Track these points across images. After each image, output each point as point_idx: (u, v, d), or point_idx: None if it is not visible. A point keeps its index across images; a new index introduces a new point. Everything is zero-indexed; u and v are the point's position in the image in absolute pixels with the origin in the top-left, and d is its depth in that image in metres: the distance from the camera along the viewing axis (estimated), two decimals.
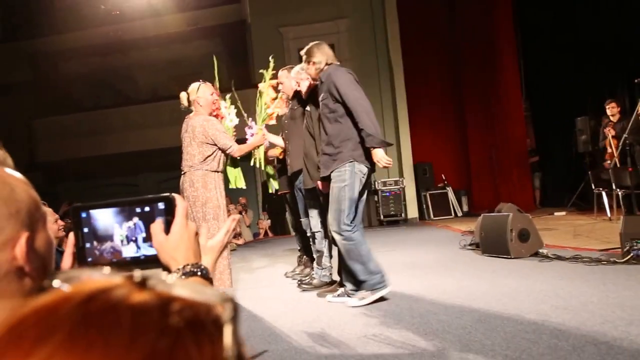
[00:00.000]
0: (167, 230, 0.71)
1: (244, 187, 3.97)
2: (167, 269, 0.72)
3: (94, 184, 11.25)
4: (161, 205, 0.72)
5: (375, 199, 9.24)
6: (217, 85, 3.84)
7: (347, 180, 3.07)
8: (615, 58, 7.99)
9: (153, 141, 10.59)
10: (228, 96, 4.09)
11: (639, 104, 5.20)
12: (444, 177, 9.59)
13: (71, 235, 0.74)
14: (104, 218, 0.73)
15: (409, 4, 9.65)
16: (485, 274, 3.73)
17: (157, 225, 0.71)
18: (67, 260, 0.73)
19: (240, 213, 9.09)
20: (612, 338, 2.10)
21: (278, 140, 4.19)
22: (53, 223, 2.70)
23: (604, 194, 6.29)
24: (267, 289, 4.17)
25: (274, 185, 4.31)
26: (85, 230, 0.72)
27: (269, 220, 9.79)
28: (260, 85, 4.13)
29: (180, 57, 11.48)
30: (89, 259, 0.73)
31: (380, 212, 9.19)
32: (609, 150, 5.97)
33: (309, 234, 4.07)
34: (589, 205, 7.12)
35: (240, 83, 11.28)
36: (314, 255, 3.99)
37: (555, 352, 2.01)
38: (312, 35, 10.74)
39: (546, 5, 9.02)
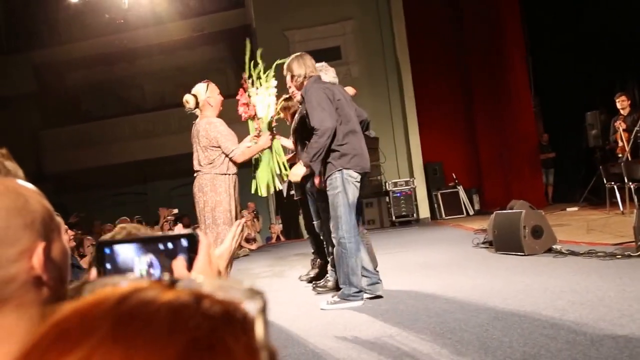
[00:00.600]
0: (190, 267, 0.70)
1: (268, 193, 3.68)
2: None
3: (103, 193, 11.34)
4: (184, 242, 0.71)
5: (387, 199, 9.26)
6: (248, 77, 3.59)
7: (339, 187, 3.17)
8: (624, 51, 7.94)
9: (161, 149, 10.67)
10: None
11: None
12: (454, 176, 9.58)
13: (93, 270, 0.73)
14: (127, 254, 0.72)
15: (415, 3, 9.66)
16: (499, 272, 3.74)
17: (180, 262, 0.70)
18: None
19: (252, 220, 9.15)
20: (630, 331, 2.10)
21: (288, 142, 4.20)
22: (63, 234, 2.75)
23: (616, 188, 6.25)
24: (281, 293, 4.20)
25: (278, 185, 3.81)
26: (108, 266, 0.72)
27: (281, 225, 9.84)
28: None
29: (186, 63, 11.56)
30: None
31: (392, 212, 9.19)
32: (620, 143, 5.93)
33: (322, 237, 4.10)
34: (601, 199, 7.08)
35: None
36: (328, 258, 4.02)
37: (573, 347, 2.01)
38: (317, 38, 10.82)
39: (553, 0, 8.98)
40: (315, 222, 4.18)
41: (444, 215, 9.33)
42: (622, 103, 5.99)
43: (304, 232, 9.47)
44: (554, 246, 4.19)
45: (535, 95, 9.70)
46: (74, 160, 10.91)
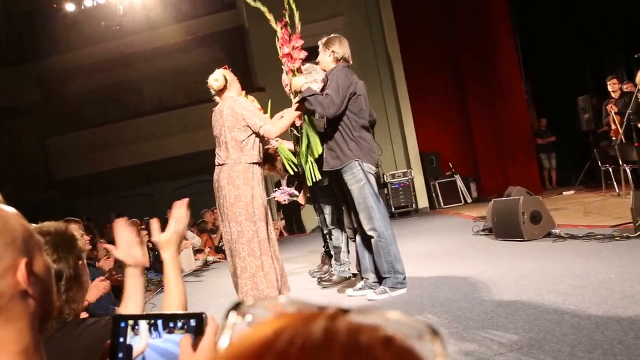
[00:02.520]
0: (196, 346, 0.71)
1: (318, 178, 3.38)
2: None
3: (111, 196, 11.50)
4: (192, 322, 0.74)
5: (385, 191, 9.31)
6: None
7: (362, 179, 3.18)
8: (613, 34, 7.99)
9: (164, 150, 10.79)
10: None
11: (638, 84, 5.22)
12: (451, 165, 9.64)
13: (107, 342, 0.77)
14: (140, 329, 0.76)
15: None
16: (500, 258, 3.79)
17: (186, 340, 0.71)
18: None
19: None
20: (633, 313, 2.14)
21: (291, 144, 4.16)
22: (80, 237, 2.78)
23: (610, 170, 6.32)
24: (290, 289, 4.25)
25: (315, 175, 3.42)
26: (121, 339, 0.75)
27: (283, 221, 9.88)
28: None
29: (183, 66, 11.62)
30: None
31: (391, 204, 9.25)
32: (613, 126, 5.99)
33: (325, 231, 4.14)
34: (596, 182, 7.15)
35: (243, 87, 11.39)
36: (332, 252, 4.07)
37: (578, 331, 2.05)
38: (309, 36, 10.71)
39: None
40: (317, 217, 4.21)
41: (442, 205, 9.40)
42: (613, 86, 6.04)
43: (307, 227, 9.54)
44: (553, 230, 4.25)
45: (527, 81, 9.75)
46: (81, 165, 11.10)
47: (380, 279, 3.26)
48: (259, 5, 3.30)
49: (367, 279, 3.35)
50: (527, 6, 9.40)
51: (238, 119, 3.13)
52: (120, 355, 0.75)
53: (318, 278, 4.12)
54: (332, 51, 3.30)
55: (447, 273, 3.59)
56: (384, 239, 3.17)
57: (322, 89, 3.46)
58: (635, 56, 5.13)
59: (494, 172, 9.59)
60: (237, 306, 0.37)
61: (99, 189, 11.54)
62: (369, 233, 3.20)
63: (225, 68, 3.48)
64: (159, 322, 0.75)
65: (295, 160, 3.72)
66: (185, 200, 0.87)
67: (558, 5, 8.78)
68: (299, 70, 3.34)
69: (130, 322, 0.76)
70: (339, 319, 0.32)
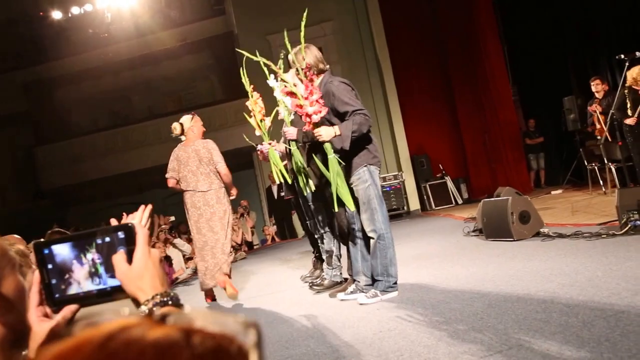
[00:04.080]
0: (130, 259, 0.70)
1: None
2: (134, 300, 0.69)
3: (101, 205, 11.39)
4: (121, 235, 0.71)
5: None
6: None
7: (368, 180, 3.20)
8: (596, 36, 8.12)
9: (154, 158, 10.70)
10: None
11: (621, 82, 5.31)
12: (441, 167, 9.71)
13: (36, 272, 0.72)
14: (66, 252, 0.72)
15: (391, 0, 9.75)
16: (491, 259, 3.82)
17: (119, 255, 0.70)
18: (34, 298, 0.72)
19: (242, 216, 9.15)
20: (619, 310, 2.17)
21: (282, 146, 4.18)
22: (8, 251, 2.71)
23: (596, 169, 6.41)
24: (279, 294, 4.25)
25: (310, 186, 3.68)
26: (50, 266, 0.72)
27: (275, 226, 9.87)
28: (248, 103, 4.03)
29: (172, 73, 11.59)
30: (56, 295, 0.72)
31: None
32: (598, 126, 6.08)
33: (316, 236, 4.14)
34: (583, 181, 7.24)
35: (233, 93, 11.40)
36: (324, 256, 4.07)
37: (566, 329, 2.08)
38: (299, 41, 10.83)
39: None
40: (308, 222, 4.22)
41: (433, 206, 9.45)
42: (596, 86, 6.14)
43: (299, 232, 9.54)
44: (541, 230, 4.29)
45: (514, 83, 9.88)
46: (70, 175, 10.98)
47: (372, 281, 3.27)
48: (266, 61, 3.23)
49: (359, 282, 3.36)
50: (513, 11, 9.53)
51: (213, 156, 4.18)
52: (54, 281, 0.72)
53: (310, 283, 4.12)
54: (307, 67, 3.23)
55: (438, 275, 3.61)
56: (383, 241, 3.19)
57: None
58: (617, 57, 5.22)
59: (484, 173, 9.68)
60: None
61: (89, 199, 11.43)
62: (370, 234, 3.21)
63: (192, 114, 4.46)
64: (98, 261, 0.71)
65: (282, 169, 3.77)
66: (148, 207, 0.85)
67: (543, 10, 8.92)
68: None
69: (55, 246, 0.71)
70: (149, 324, 0.33)
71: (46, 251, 0.72)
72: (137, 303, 0.69)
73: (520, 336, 2.12)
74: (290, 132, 3.57)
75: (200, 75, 11.57)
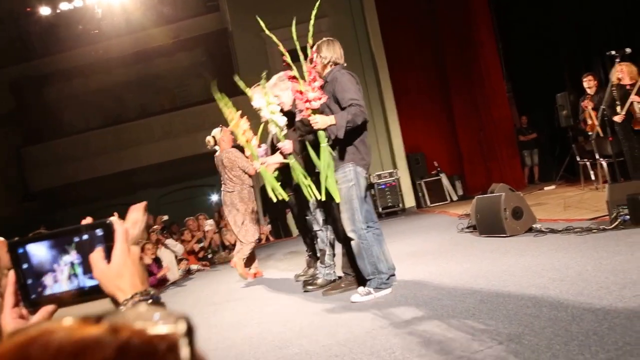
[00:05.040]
0: (109, 257, 0.68)
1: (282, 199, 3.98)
2: (114, 300, 0.67)
3: (92, 207, 11.21)
4: (99, 232, 0.69)
5: (372, 192, 9.36)
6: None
7: (353, 179, 3.20)
8: (588, 33, 8.18)
9: (147, 157, 10.62)
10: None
11: (611, 79, 5.35)
12: (436, 164, 9.74)
13: (11, 272, 0.70)
14: (42, 252, 0.69)
15: None
16: (484, 255, 3.85)
17: (97, 254, 0.68)
18: (9, 299, 0.70)
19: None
20: (607, 303, 2.20)
21: (278, 158, 4.06)
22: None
23: (588, 164, 6.46)
24: (273, 293, 4.26)
25: (280, 194, 3.97)
26: (25, 266, 0.69)
27: (270, 225, 9.87)
28: (231, 127, 4.12)
29: (165, 71, 11.47)
30: (33, 296, 0.69)
31: (378, 204, 9.31)
32: (589, 122, 6.13)
33: (313, 233, 4.14)
34: (576, 176, 7.29)
35: (228, 91, 11.33)
36: (318, 254, 4.08)
37: (555, 323, 2.10)
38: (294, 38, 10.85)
39: None
40: (308, 218, 4.19)
41: (428, 203, 9.48)
42: (588, 82, 6.17)
43: (293, 231, 9.55)
44: (534, 225, 4.33)
45: (508, 80, 9.92)
46: (60, 175, 10.78)
47: (363, 282, 3.28)
48: (277, 43, 3.22)
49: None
50: (507, 8, 9.57)
51: (233, 165, 4.96)
52: (30, 281, 0.69)
53: (303, 282, 4.13)
54: (320, 56, 3.27)
55: (431, 272, 3.63)
56: (365, 241, 3.19)
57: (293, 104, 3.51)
58: (607, 54, 5.26)
59: (479, 169, 9.72)
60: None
61: (80, 199, 11.27)
62: (350, 234, 3.22)
63: (220, 127, 5.00)
64: (76, 261, 0.69)
65: (277, 188, 3.87)
66: (143, 204, 0.83)
67: (537, 7, 8.96)
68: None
69: (31, 246, 0.69)
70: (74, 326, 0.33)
71: (21, 250, 0.69)
72: (116, 302, 0.67)
73: (511, 330, 2.14)
74: (287, 146, 3.59)
75: (193, 73, 11.47)
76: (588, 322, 2.04)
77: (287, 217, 9.51)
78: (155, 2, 10.66)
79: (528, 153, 9.59)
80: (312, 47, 3.13)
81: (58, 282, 0.70)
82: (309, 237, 4.38)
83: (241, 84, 3.75)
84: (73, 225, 0.72)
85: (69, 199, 11.32)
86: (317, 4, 3.12)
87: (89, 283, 0.69)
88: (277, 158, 3.96)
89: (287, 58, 3.12)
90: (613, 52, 5.18)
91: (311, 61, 3.08)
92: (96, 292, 0.69)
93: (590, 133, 6.07)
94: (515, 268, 3.20)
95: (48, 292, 0.70)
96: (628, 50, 5.04)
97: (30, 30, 11.00)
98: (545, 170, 9.44)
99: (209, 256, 7.70)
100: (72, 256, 0.69)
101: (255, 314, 3.60)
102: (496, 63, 9.64)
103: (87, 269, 0.69)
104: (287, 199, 4.05)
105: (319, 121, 3.05)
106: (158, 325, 0.34)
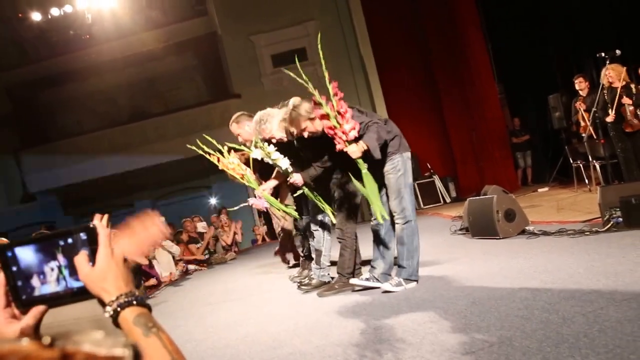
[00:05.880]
0: (93, 260, 0.70)
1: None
2: (100, 301, 0.70)
3: (90, 209, 11.29)
4: (83, 236, 0.71)
5: None
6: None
7: (401, 169, 3.28)
8: (579, 34, 8.23)
9: (142, 160, 10.64)
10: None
11: (602, 81, 5.39)
12: (429, 166, 9.76)
13: (1, 275, 0.72)
14: (30, 255, 0.72)
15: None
16: (476, 257, 3.86)
17: (81, 257, 0.70)
18: (0, 301, 0.72)
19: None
20: (598, 306, 2.20)
21: (273, 183, 4.11)
22: None
23: (581, 166, 6.50)
24: (268, 294, 4.25)
25: (291, 213, 4.20)
26: (14, 268, 0.72)
27: (265, 226, 9.85)
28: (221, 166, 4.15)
29: (156, 74, 11.51)
30: (23, 297, 0.72)
31: None
32: (582, 123, 6.16)
33: (311, 231, 4.13)
34: (569, 178, 7.33)
35: (218, 93, 11.36)
36: (312, 255, 4.07)
37: (547, 326, 2.10)
38: (282, 41, 10.89)
39: None
40: (304, 217, 4.19)
41: (422, 205, 9.50)
42: (580, 84, 6.22)
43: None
44: (526, 228, 4.34)
45: (499, 82, 9.96)
46: (57, 177, 10.86)
47: (389, 270, 3.35)
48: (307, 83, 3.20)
49: (374, 268, 3.41)
50: (496, 8, 9.61)
51: None
52: (20, 283, 0.72)
53: (298, 282, 4.12)
54: (307, 119, 3.30)
55: (423, 274, 3.63)
56: (410, 228, 3.27)
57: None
58: (598, 55, 5.30)
59: (472, 171, 9.75)
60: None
61: (78, 201, 11.34)
62: (397, 220, 3.29)
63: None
64: (63, 263, 0.71)
65: (285, 209, 4.07)
66: (105, 216, 0.84)
67: (526, 7, 9.01)
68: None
69: (19, 249, 0.71)
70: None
71: (9, 254, 0.72)
72: (102, 303, 0.69)
73: (502, 333, 2.14)
74: (298, 180, 3.66)
75: (184, 77, 11.55)
76: (579, 325, 2.04)
77: None
78: (143, 6, 10.69)
79: (521, 155, 9.63)
80: (330, 81, 3.14)
81: (47, 284, 0.72)
82: (304, 239, 4.38)
83: (213, 142, 3.81)
84: (57, 230, 0.74)
85: (66, 200, 11.36)
86: (319, 35, 3.14)
87: (76, 284, 0.72)
88: (272, 183, 4.05)
89: (317, 97, 3.12)
90: (603, 54, 5.22)
91: (336, 94, 3.09)
92: (85, 293, 0.71)
93: (583, 135, 6.11)
94: (508, 270, 3.21)
95: (38, 293, 0.72)
96: (618, 52, 5.08)
97: (23, 36, 11.02)
98: (538, 172, 9.49)
99: (206, 257, 7.70)
100: (59, 259, 0.72)
101: (251, 314, 3.59)
102: (486, 64, 9.68)
103: (74, 271, 0.72)
104: (298, 217, 4.20)
105: (355, 150, 3.07)
106: (108, 349, 0.36)
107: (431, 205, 9.40)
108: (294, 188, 3.87)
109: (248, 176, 4.09)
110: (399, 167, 3.28)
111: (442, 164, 10.02)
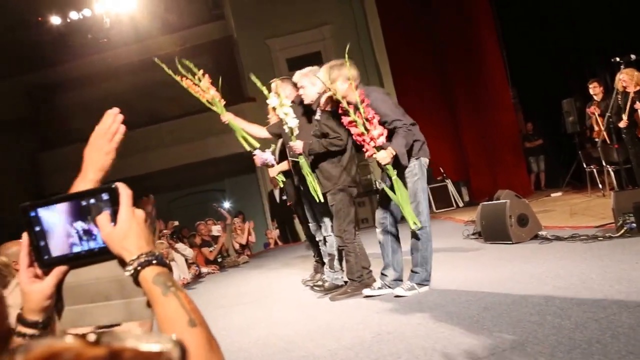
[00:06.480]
0: (115, 220, 0.71)
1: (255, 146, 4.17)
2: (121, 261, 0.70)
3: None
4: (105, 197, 0.72)
5: (378, 197, 9.37)
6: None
7: (417, 173, 3.31)
8: (594, 38, 8.18)
9: (157, 163, 10.80)
10: None
11: (616, 86, 5.35)
12: (442, 170, 9.74)
13: (25, 235, 0.73)
14: (52, 215, 0.73)
15: (389, 3, 9.81)
16: (489, 262, 3.87)
17: (103, 217, 0.71)
18: (23, 260, 0.73)
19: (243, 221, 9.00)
20: (611, 312, 2.21)
21: (284, 165, 4.24)
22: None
23: (595, 171, 6.45)
24: (280, 297, 4.30)
25: (251, 144, 4.16)
26: (37, 228, 0.72)
27: (277, 230, 9.91)
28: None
29: (172, 78, 11.63)
30: (45, 257, 0.72)
31: None
32: (596, 128, 6.12)
33: (318, 239, 4.19)
34: (582, 183, 7.27)
35: (233, 97, 11.44)
36: (325, 260, 4.11)
37: (559, 331, 2.12)
38: (298, 45, 10.99)
39: None
40: (310, 225, 4.26)
41: (435, 209, 9.47)
42: (594, 89, 6.18)
43: (301, 236, 9.58)
44: (539, 233, 4.33)
45: (512, 86, 9.92)
46: (73, 180, 11.03)
47: (401, 277, 3.38)
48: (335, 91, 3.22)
49: (386, 276, 3.43)
50: (511, 14, 9.58)
51: None
52: (42, 243, 0.73)
53: (310, 286, 4.17)
54: (347, 78, 3.29)
55: (437, 278, 3.64)
56: (425, 234, 3.29)
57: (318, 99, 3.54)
58: (612, 60, 5.27)
59: (485, 175, 9.70)
60: None
61: None
62: (412, 226, 3.30)
63: None
64: (85, 224, 0.72)
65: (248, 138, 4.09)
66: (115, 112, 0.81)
67: (541, 12, 8.98)
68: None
69: (41, 210, 0.73)
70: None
71: (32, 214, 0.72)
72: (123, 263, 0.70)
73: (514, 338, 2.16)
74: (297, 146, 3.68)
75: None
76: (591, 331, 2.05)
77: (294, 221, 9.54)
78: (161, 10, 10.84)
79: (534, 159, 9.58)
80: (356, 87, 3.18)
81: (69, 244, 0.73)
82: (316, 243, 4.42)
83: (257, 82, 3.78)
84: (80, 190, 0.76)
85: None
86: (347, 47, 3.20)
87: (98, 245, 0.73)
88: (284, 166, 4.10)
89: (345, 104, 3.16)
90: (617, 59, 5.19)
91: (362, 101, 3.12)
92: (105, 253, 0.72)
93: (597, 140, 6.07)
94: (520, 275, 3.22)
95: (59, 253, 0.73)
96: (632, 56, 5.05)
97: (42, 40, 11.26)
98: (551, 177, 9.42)
99: (219, 260, 7.78)
100: (82, 219, 0.73)
101: (263, 317, 3.64)
102: (500, 68, 9.65)
103: (96, 232, 0.73)
104: (256, 146, 4.17)
105: (385, 156, 3.09)
106: (158, 349, 0.37)
107: (444, 210, 9.37)
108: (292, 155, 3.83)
109: (215, 100, 4.13)
110: (415, 171, 3.29)
111: (455, 168, 9.99)
